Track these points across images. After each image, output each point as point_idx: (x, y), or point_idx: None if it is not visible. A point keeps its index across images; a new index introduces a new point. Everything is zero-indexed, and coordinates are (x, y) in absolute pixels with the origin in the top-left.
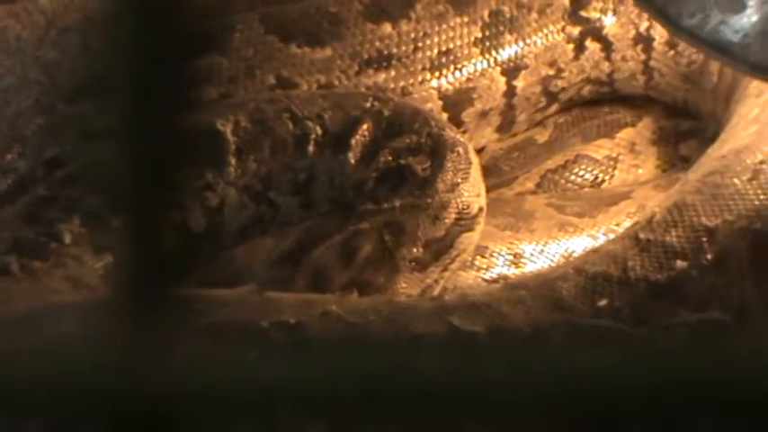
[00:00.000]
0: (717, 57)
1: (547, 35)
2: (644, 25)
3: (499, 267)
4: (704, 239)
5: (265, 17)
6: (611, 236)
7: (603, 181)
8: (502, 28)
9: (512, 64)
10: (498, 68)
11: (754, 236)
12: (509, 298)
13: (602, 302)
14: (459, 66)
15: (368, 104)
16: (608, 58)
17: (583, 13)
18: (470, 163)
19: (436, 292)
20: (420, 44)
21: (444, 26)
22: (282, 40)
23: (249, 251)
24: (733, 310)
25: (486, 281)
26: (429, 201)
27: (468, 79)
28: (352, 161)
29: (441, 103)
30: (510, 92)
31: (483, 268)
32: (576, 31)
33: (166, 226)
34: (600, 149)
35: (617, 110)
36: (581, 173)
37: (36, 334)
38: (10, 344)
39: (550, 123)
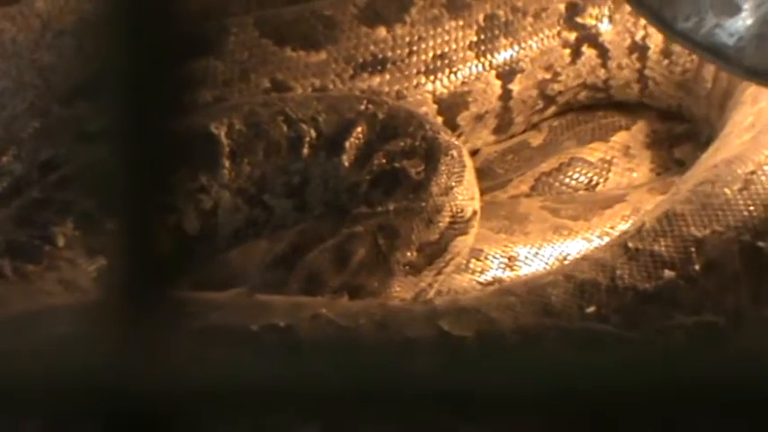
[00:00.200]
0: (712, 60)
1: (542, 39)
2: (639, 34)
3: (494, 270)
4: (693, 249)
5: (260, 20)
6: (606, 239)
7: (598, 184)
8: (497, 32)
9: (507, 68)
10: (493, 72)
11: (742, 247)
12: (499, 303)
13: (590, 309)
14: (454, 69)
15: (362, 107)
16: (604, 65)
17: (579, 20)
18: (464, 166)
19: (430, 295)
20: (415, 48)
21: (439, 30)
22: (277, 44)
23: (243, 254)
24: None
25: (480, 284)
26: (423, 204)
27: (464, 83)
28: (347, 164)
29: (436, 106)
30: (506, 95)
31: (478, 271)
32: (572, 36)
33: (161, 229)
34: (594, 152)
35: (611, 113)
36: (575, 176)
37: (30, 335)
38: (4, 345)
39: (545, 126)
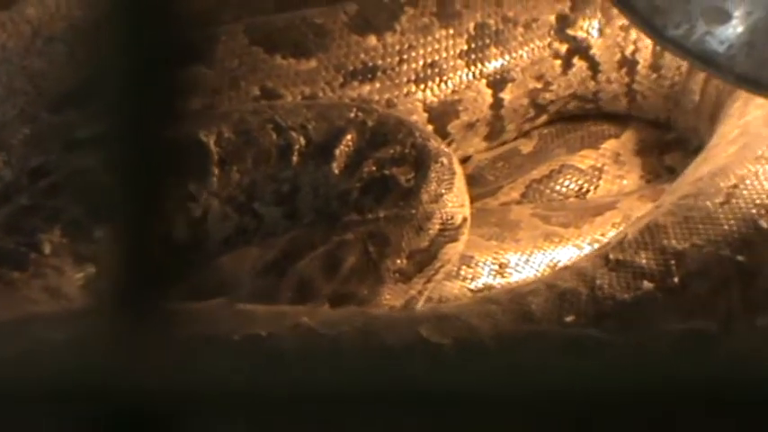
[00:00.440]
0: (702, 68)
1: (533, 50)
2: (629, 48)
3: (484, 277)
4: (673, 262)
5: (250, 28)
6: (597, 246)
7: (588, 191)
8: (487, 41)
9: (498, 77)
10: (484, 81)
11: (721, 261)
12: (479, 311)
13: (570, 318)
14: (444, 78)
15: (352, 115)
16: (594, 78)
17: (569, 32)
18: (454, 173)
19: (420, 302)
20: (405, 56)
21: (429, 38)
22: (267, 51)
23: (234, 261)
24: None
25: (471, 291)
26: (413, 211)
27: (454, 91)
28: (336, 171)
29: (426, 115)
30: (497, 104)
31: (468, 278)
32: (563, 48)
33: (153, 236)
34: (585, 160)
35: (601, 121)
36: (566, 183)
37: (19, 341)
38: None
39: (535, 134)
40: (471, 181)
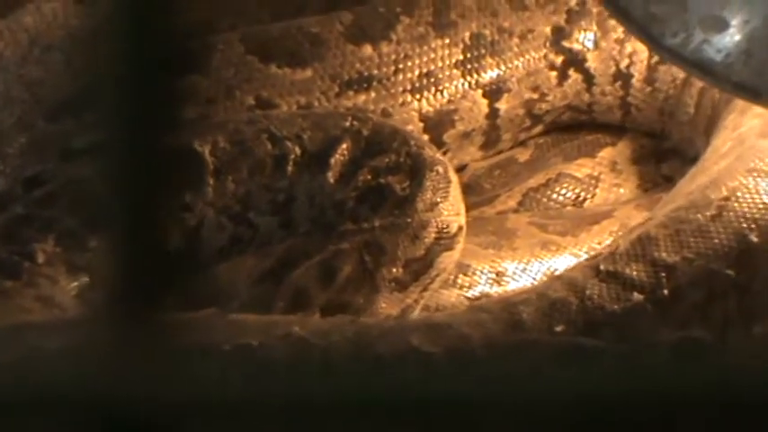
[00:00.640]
0: (699, 76)
1: (529, 61)
2: (624, 62)
3: (482, 286)
4: (663, 275)
5: (246, 37)
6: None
7: (585, 200)
8: (483, 51)
9: (494, 87)
10: (480, 91)
11: (710, 275)
12: (470, 320)
13: (559, 328)
14: (440, 88)
15: (347, 124)
16: (588, 90)
17: (565, 44)
18: (450, 182)
19: (416, 311)
20: (401, 66)
21: (425, 48)
22: (262, 61)
23: (231, 269)
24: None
25: (468, 299)
26: (408, 220)
27: (450, 101)
28: (332, 181)
29: (422, 124)
30: (493, 114)
31: (465, 287)
32: (558, 60)
33: (147, 246)
34: (582, 168)
35: (597, 130)
36: (563, 191)
37: (14, 348)
38: None
39: (531, 143)
40: (468, 189)
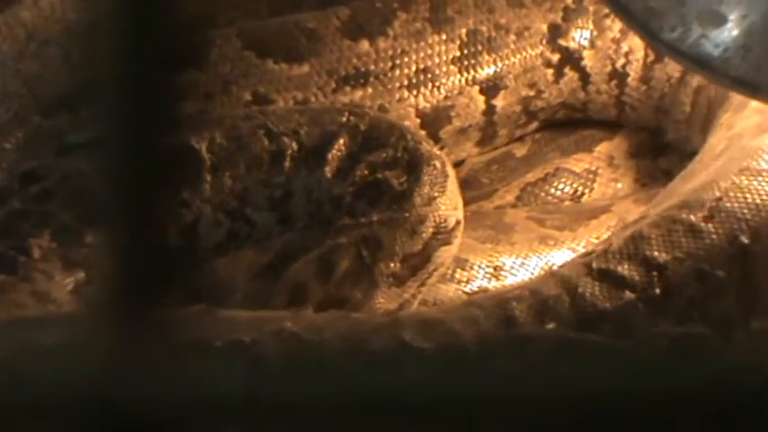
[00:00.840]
0: (697, 71)
1: (525, 58)
2: (620, 61)
3: (479, 280)
4: (654, 274)
5: (243, 32)
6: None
7: (583, 194)
8: (480, 47)
9: (490, 83)
10: (477, 87)
11: (700, 275)
12: (462, 316)
13: (551, 325)
14: (437, 84)
15: (344, 119)
16: (584, 89)
17: (561, 42)
18: (447, 176)
19: (414, 306)
20: (398, 61)
21: (422, 43)
22: (259, 56)
23: (230, 264)
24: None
25: (466, 294)
26: (406, 215)
27: (446, 97)
28: (329, 176)
29: (418, 120)
30: (490, 110)
31: (463, 281)
32: (555, 57)
33: (144, 242)
34: (579, 163)
35: (593, 125)
36: (560, 186)
37: (9, 344)
38: None
39: (528, 139)
40: (465, 184)
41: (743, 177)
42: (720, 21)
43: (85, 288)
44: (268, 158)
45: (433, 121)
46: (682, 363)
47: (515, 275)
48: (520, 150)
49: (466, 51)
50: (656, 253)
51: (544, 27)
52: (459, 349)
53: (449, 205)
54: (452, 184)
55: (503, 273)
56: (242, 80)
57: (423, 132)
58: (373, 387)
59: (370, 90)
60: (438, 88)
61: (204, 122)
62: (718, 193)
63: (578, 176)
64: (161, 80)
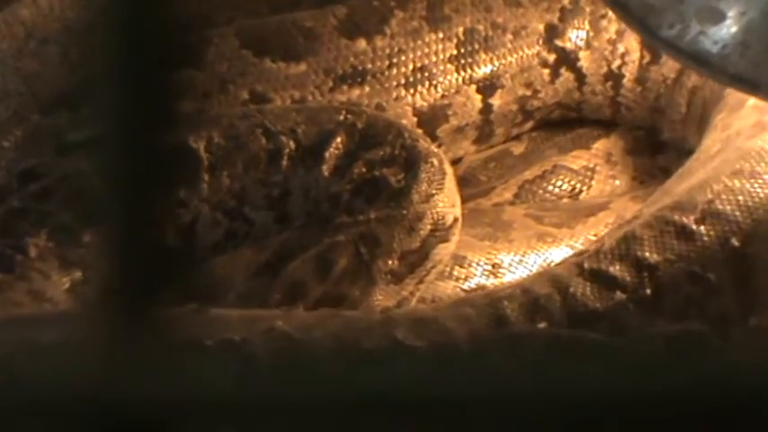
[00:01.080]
0: (696, 68)
1: (522, 57)
2: (616, 62)
3: (478, 277)
4: (645, 275)
5: (241, 31)
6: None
7: (581, 192)
8: (477, 46)
9: (487, 82)
10: (474, 86)
11: (691, 277)
12: (455, 314)
13: (543, 324)
14: (434, 83)
15: (341, 117)
16: (579, 89)
17: (558, 42)
18: (445, 173)
19: (412, 303)
20: (395, 60)
21: (419, 42)
22: (257, 55)
23: (228, 262)
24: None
25: (464, 291)
26: (404, 212)
27: (444, 96)
28: (327, 174)
29: (415, 119)
30: (486, 109)
31: (462, 278)
32: (551, 58)
33: (142, 241)
34: (577, 160)
35: (590, 123)
36: (559, 183)
37: (5, 342)
38: None
39: (525, 137)
40: (463, 182)
41: (735, 180)
42: (719, 17)
43: (82, 288)
44: (265, 157)
45: (431, 119)
46: (677, 361)
47: (513, 273)
48: (517, 148)
49: (463, 50)
50: (647, 254)
51: (541, 27)
52: (451, 347)
53: (446, 203)
54: (450, 182)
55: (501, 270)
56: (239, 79)
57: (420, 131)
58: (365, 385)
59: (367, 89)
60: (435, 87)
61: (202, 122)
62: (710, 196)
63: (576, 174)
64: (159, 79)
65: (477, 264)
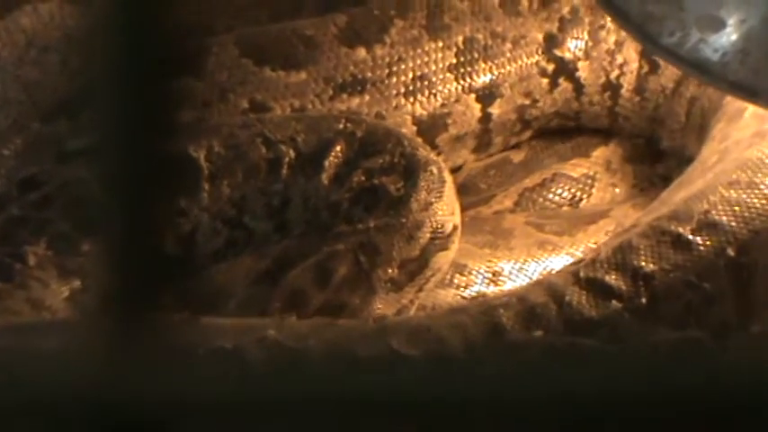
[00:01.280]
0: (696, 75)
1: (521, 66)
2: (614, 73)
3: (478, 285)
4: (641, 284)
5: (240, 40)
6: None
7: (581, 199)
8: (476, 55)
9: (486, 91)
10: (473, 95)
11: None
12: (449, 322)
13: (538, 333)
14: (433, 91)
15: (341, 126)
16: (577, 99)
17: (557, 52)
18: (444, 182)
19: (412, 311)
20: (394, 69)
21: (419, 51)
22: (257, 64)
23: (228, 270)
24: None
25: (465, 299)
26: (403, 221)
27: (443, 105)
28: (326, 183)
29: (415, 128)
30: (486, 118)
31: (462, 286)
32: (550, 68)
33: (141, 250)
34: (577, 168)
35: (589, 131)
36: (559, 191)
37: (4, 350)
38: None
39: (524, 145)
40: (463, 190)
41: (732, 190)
42: (719, 25)
43: (81, 296)
44: (265, 166)
45: (430, 128)
46: (675, 367)
47: (514, 280)
48: (517, 156)
49: (462, 59)
50: (643, 263)
51: (540, 36)
52: (445, 356)
53: (446, 211)
54: (449, 190)
55: (501, 278)
56: (239, 88)
57: (419, 140)
58: (358, 393)
59: (367, 97)
60: (435, 96)
61: (202, 131)
62: (706, 206)
63: (576, 181)
64: (158, 87)
65: (478, 271)
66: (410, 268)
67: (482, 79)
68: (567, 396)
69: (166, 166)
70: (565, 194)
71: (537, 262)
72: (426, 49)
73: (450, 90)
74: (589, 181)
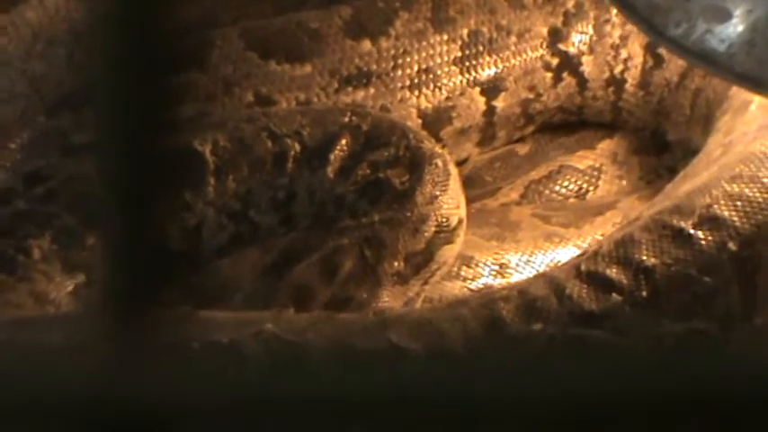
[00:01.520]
0: (702, 67)
1: (526, 60)
2: (618, 68)
3: (485, 278)
4: (642, 278)
5: (245, 33)
6: None
7: (588, 191)
8: (481, 48)
9: (491, 85)
10: (478, 88)
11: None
12: (449, 315)
13: (538, 326)
14: (438, 84)
15: (346, 119)
16: (581, 94)
17: (561, 46)
18: (449, 175)
19: (418, 304)
20: (399, 61)
21: (424, 43)
22: (262, 57)
23: (234, 263)
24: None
25: (472, 291)
26: (408, 214)
27: (448, 98)
28: (332, 176)
29: (420, 121)
30: (490, 111)
31: (469, 278)
32: (554, 62)
33: (146, 244)
34: (583, 160)
35: (593, 124)
36: (565, 183)
37: (6, 344)
38: None
39: (529, 138)
40: (469, 182)
41: (734, 185)
42: (725, 16)
43: (85, 290)
44: (271, 160)
45: (435, 121)
46: (677, 360)
47: (521, 273)
48: (522, 149)
49: (467, 52)
50: (644, 257)
51: (545, 30)
52: (445, 349)
53: (451, 204)
54: (455, 183)
55: (508, 270)
56: (244, 81)
57: (424, 133)
58: (358, 387)
59: (372, 90)
60: (440, 89)
61: (207, 125)
62: (708, 200)
63: (583, 173)
64: (162, 82)
65: (485, 264)
66: (415, 261)
67: (487, 72)
68: (568, 389)
69: (169, 161)
70: (571, 186)
71: (544, 254)
72: (431, 41)
73: (454, 83)
74: (595, 173)
